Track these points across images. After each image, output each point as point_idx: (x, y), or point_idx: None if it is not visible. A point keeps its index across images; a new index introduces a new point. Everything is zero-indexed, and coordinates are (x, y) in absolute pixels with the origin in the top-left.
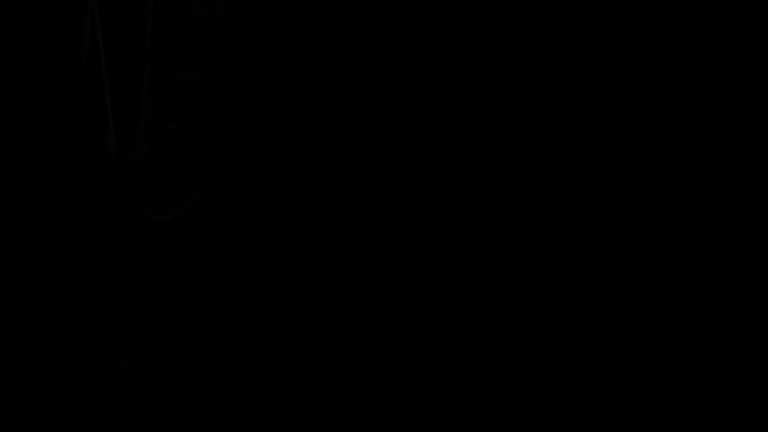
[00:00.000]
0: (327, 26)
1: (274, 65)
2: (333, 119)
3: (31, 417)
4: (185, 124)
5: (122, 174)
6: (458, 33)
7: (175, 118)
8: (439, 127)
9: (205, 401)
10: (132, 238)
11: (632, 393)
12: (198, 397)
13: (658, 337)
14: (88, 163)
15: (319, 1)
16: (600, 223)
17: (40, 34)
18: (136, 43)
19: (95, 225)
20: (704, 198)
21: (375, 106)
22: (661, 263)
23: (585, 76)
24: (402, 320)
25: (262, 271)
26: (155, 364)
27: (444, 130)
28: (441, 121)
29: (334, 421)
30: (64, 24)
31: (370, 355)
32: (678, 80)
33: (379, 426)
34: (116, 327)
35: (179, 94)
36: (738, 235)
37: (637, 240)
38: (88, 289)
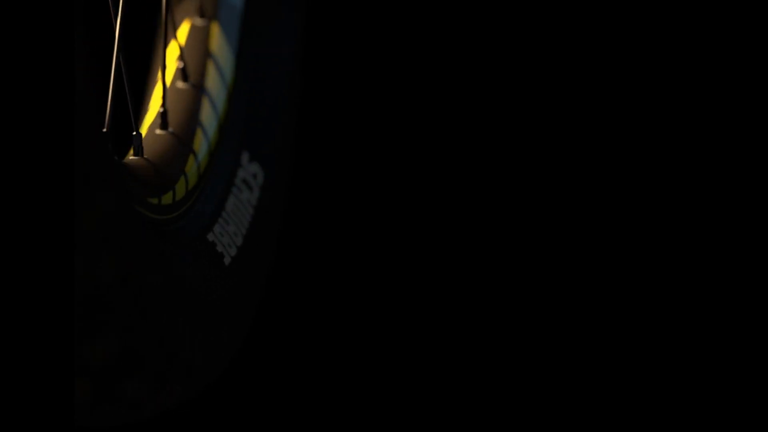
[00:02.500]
0: (330, 24)
1: (278, 62)
2: (339, 118)
3: (27, 418)
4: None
5: (125, 173)
6: (458, 33)
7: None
8: (439, 128)
9: (205, 401)
10: (132, 238)
11: (632, 393)
12: (198, 397)
13: (658, 337)
14: (89, 164)
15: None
16: (600, 223)
17: (61, 34)
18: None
19: (95, 224)
20: (704, 198)
21: (379, 106)
22: (661, 263)
23: (585, 76)
24: (402, 320)
25: (267, 271)
26: (157, 365)
27: (444, 130)
28: (441, 121)
29: (334, 422)
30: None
31: (371, 356)
32: (678, 80)
33: (379, 426)
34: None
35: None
36: (738, 235)
37: (637, 240)
38: (85, 289)
